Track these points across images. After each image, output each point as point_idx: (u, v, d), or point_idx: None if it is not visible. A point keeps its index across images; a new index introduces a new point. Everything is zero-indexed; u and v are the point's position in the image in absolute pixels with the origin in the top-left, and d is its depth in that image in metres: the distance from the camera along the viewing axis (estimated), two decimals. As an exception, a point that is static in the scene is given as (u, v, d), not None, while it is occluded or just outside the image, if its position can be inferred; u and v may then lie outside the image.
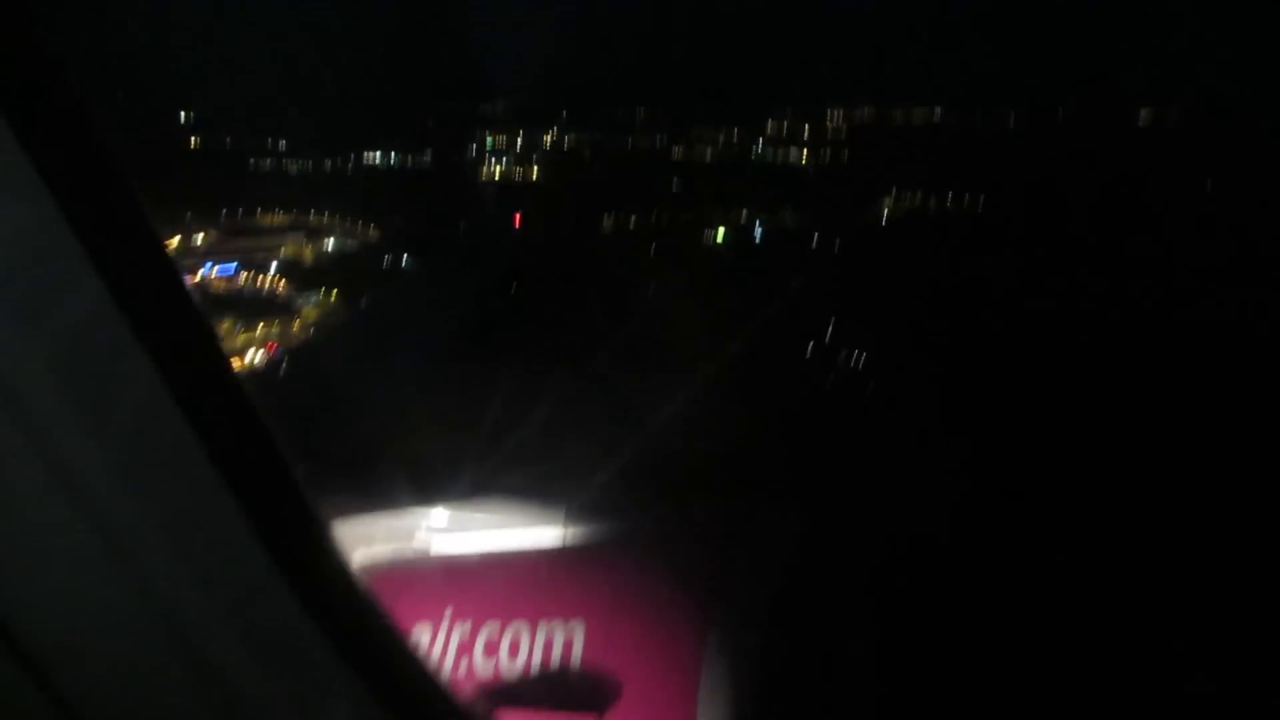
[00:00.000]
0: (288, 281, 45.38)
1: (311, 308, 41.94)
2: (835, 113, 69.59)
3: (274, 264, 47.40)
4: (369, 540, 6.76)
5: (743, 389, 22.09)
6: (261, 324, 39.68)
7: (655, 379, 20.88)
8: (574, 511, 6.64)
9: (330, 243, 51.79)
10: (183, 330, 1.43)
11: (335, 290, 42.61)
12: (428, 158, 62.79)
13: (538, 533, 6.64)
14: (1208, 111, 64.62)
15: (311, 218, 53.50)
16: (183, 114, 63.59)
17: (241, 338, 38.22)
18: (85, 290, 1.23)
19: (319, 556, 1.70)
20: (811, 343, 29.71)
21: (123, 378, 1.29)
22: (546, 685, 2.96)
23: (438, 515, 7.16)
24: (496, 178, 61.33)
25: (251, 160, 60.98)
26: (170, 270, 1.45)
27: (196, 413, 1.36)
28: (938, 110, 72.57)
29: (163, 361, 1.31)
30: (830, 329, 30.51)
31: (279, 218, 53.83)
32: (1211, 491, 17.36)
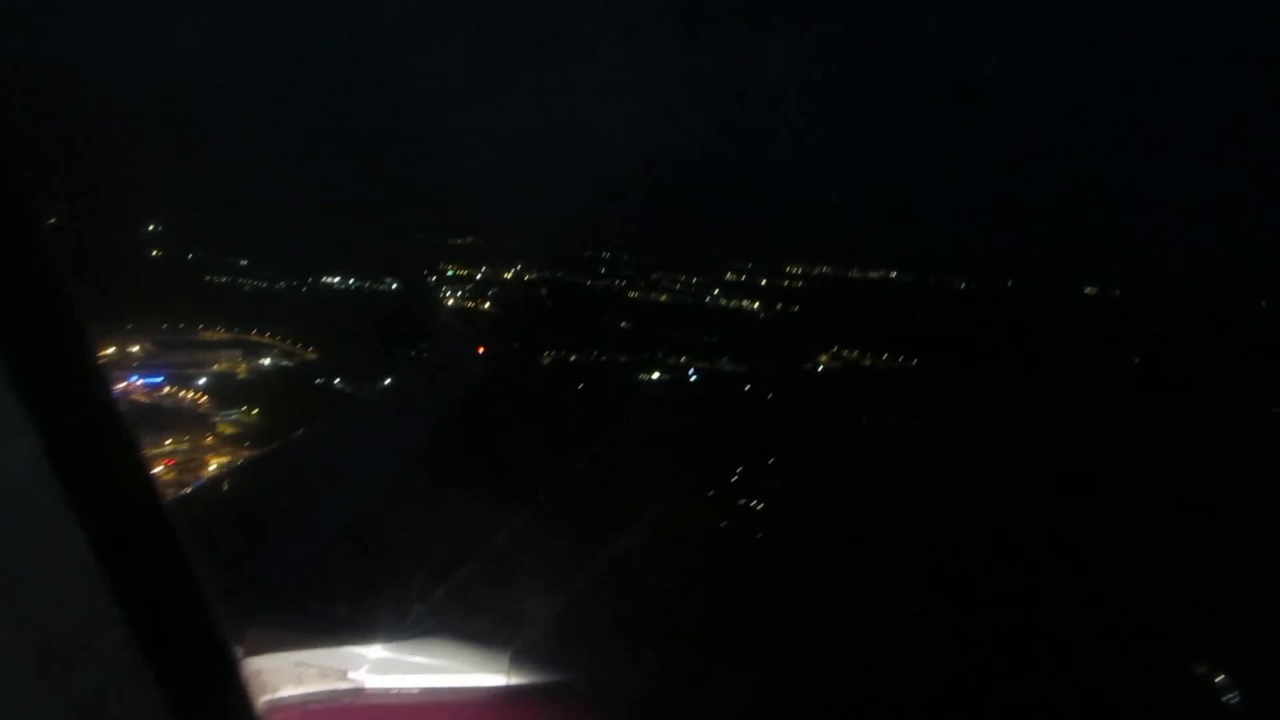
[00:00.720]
0: (211, 397, 44.47)
1: (227, 424, 40.83)
2: (794, 269, 73.76)
3: (203, 379, 46.61)
4: (301, 677, 6.48)
5: (671, 534, 22.22)
6: (170, 439, 38.26)
7: (591, 522, 20.83)
8: (518, 656, 6.53)
9: (266, 361, 51.27)
10: (121, 488, 1.32)
11: (257, 409, 41.69)
12: (384, 283, 63.84)
13: (478, 676, 6.48)
14: (1147, 292, 69.54)
15: (254, 335, 53.32)
16: (151, 226, 64.33)
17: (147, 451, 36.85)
18: (22, 447, 1.14)
19: None
20: (712, 491, 30.23)
21: (53, 543, 1.20)
22: None
23: (375, 653, 6.95)
24: (451, 304, 62.54)
25: (208, 276, 61.48)
26: (117, 424, 1.32)
27: (127, 584, 1.25)
28: (892, 273, 77.33)
29: (95, 527, 1.21)
30: (738, 473, 31.16)
31: (220, 333, 53.56)
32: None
